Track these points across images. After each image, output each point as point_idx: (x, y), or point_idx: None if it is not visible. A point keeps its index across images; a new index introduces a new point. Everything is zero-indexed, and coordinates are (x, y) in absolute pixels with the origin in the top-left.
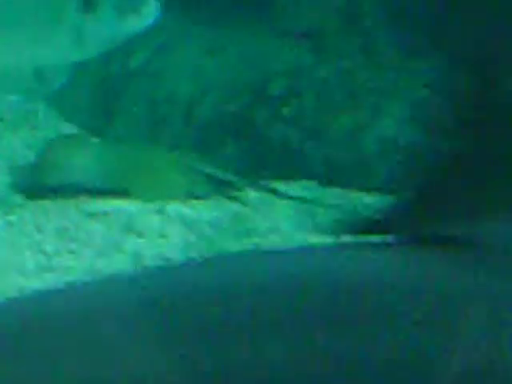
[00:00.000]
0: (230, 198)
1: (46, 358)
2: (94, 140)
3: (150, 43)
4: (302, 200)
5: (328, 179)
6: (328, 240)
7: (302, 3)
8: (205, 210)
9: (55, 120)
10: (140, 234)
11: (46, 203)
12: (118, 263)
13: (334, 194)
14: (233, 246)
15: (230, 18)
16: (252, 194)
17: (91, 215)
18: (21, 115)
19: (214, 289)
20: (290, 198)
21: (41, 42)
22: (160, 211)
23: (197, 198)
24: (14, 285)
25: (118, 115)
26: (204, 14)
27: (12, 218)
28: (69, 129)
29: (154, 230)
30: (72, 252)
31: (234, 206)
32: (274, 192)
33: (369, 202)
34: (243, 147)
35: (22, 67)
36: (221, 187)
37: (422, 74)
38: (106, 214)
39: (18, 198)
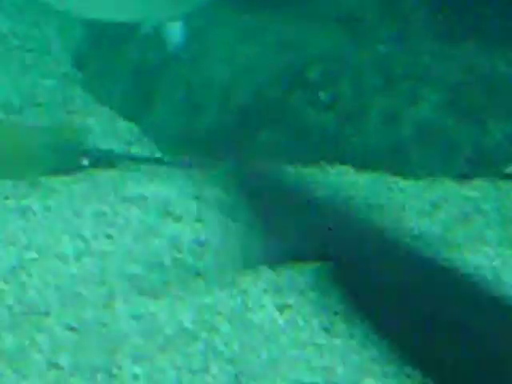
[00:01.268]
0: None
1: None
2: None
3: (187, 28)
4: None
5: (364, 164)
6: None
7: None
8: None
9: (92, 105)
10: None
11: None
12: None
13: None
14: None
15: (267, 3)
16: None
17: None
18: (58, 100)
19: None
20: None
21: None
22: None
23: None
24: (53, 269)
25: (156, 100)
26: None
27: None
28: (106, 113)
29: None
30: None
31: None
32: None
33: (403, 186)
34: (280, 132)
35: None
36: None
37: (459, 59)
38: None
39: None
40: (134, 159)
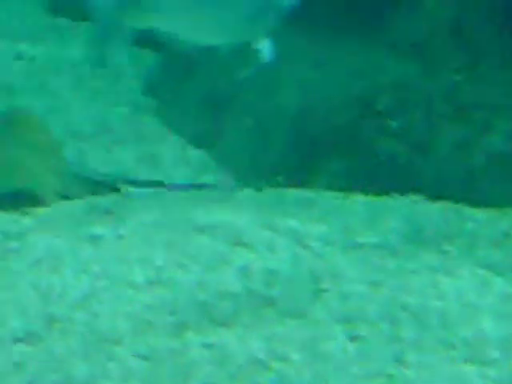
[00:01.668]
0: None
1: None
2: None
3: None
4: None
5: (435, 192)
6: None
7: (410, 16)
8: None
9: (163, 132)
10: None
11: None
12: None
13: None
14: None
15: (337, 31)
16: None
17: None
18: (129, 127)
19: None
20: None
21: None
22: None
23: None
24: (124, 297)
25: (226, 128)
26: (311, 27)
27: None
28: (176, 141)
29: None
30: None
31: None
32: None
33: (475, 215)
34: (350, 160)
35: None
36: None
37: None
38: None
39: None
40: (205, 187)
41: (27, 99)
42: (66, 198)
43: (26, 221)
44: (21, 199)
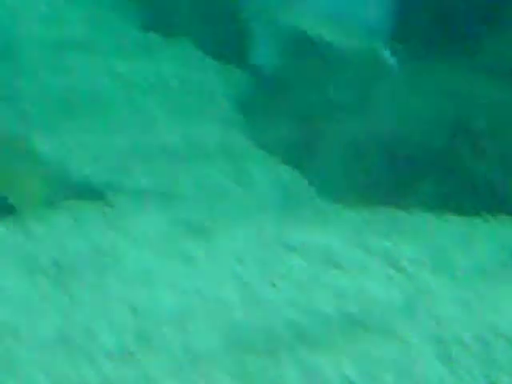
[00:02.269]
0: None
1: None
2: None
3: (355, 79)
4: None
5: None
6: None
7: (507, 42)
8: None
9: (255, 151)
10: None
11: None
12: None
13: None
14: None
15: (432, 53)
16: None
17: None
18: (220, 146)
19: None
20: None
21: None
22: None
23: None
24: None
25: (320, 148)
26: (406, 49)
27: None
28: (268, 159)
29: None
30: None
31: None
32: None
33: None
34: (444, 182)
35: None
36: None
37: None
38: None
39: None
40: (297, 206)
41: (116, 114)
42: (50, 204)
43: (118, 237)
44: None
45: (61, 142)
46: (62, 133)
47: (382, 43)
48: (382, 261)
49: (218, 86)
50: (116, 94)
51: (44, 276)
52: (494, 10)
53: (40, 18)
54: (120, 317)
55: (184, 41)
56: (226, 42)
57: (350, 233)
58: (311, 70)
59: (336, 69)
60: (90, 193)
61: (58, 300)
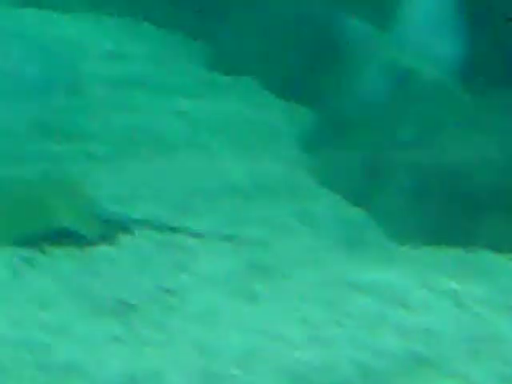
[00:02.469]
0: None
1: None
2: None
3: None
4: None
5: None
6: None
7: None
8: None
9: (320, 190)
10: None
11: None
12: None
13: None
14: None
15: (495, 87)
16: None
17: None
18: (285, 185)
19: None
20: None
21: None
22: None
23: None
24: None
25: (384, 185)
26: (475, 84)
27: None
28: (333, 198)
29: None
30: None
31: None
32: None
33: None
34: (508, 220)
35: None
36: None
37: None
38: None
39: None
40: (362, 245)
41: (181, 153)
42: (111, 240)
43: (183, 276)
44: (64, 238)
45: (124, 180)
46: (126, 171)
47: (456, 78)
48: (448, 300)
49: (282, 124)
50: (180, 133)
51: (109, 314)
52: None
53: (104, 54)
54: (187, 356)
55: (249, 79)
56: (291, 80)
57: (415, 272)
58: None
59: (405, 103)
60: (154, 231)
61: (123, 339)
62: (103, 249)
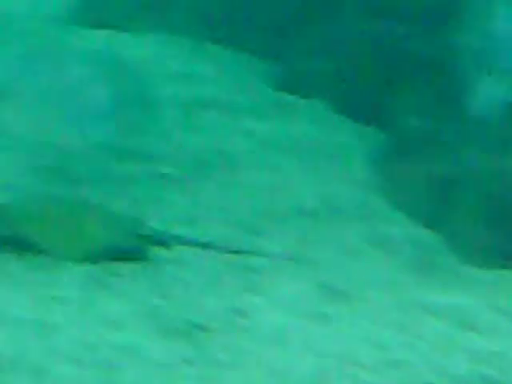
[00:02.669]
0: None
1: None
2: None
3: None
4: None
5: None
6: None
7: None
8: None
9: (389, 211)
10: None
11: None
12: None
13: None
14: None
15: None
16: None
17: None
18: (354, 205)
19: None
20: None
21: None
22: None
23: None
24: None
25: (457, 210)
26: None
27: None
28: (403, 220)
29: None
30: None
31: None
32: (205, 246)
33: None
34: None
35: None
36: (146, 242)
37: None
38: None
39: None
40: (434, 268)
41: (251, 174)
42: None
43: (253, 297)
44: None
45: (195, 201)
46: (196, 192)
47: None
48: None
49: (352, 144)
50: (250, 154)
51: (180, 336)
52: None
53: (173, 75)
54: (257, 378)
55: (317, 99)
56: (361, 100)
57: (486, 295)
58: (449, 131)
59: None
60: (224, 252)
61: (194, 361)
62: (173, 270)
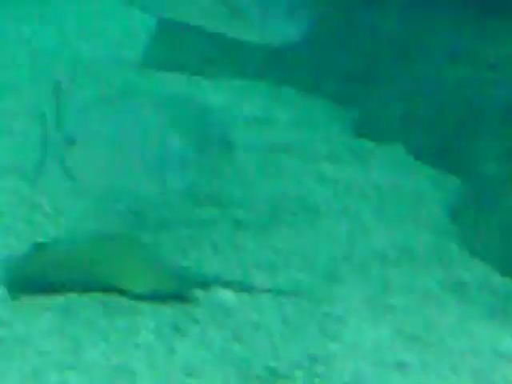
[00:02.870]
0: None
1: None
2: None
3: None
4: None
5: None
6: None
7: None
8: None
9: (467, 258)
10: None
11: None
12: None
13: None
14: None
15: None
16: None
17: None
18: (432, 253)
19: None
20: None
21: None
22: None
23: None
24: None
25: None
26: None
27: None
28: (481, 267)
29: None
30: None
31: None
32: (250, 290)
33: None
34: None
35: None
36: (188, 287)
37: None
38: None
39: None
40: (509, 315)
41: (329, 221)
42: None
43: (331, 344)
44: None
45: (271, 247)
46: (272, 237)
47: None
48: None
49: (429, 191)
50: (327, 200)
51: (256, 382)
52: None
53: (249, 120)
54: None
55: (394, 145)
56: (438, 146)
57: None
58: None
59: None
60: (300, 298)
61: None
62: (249, 316)
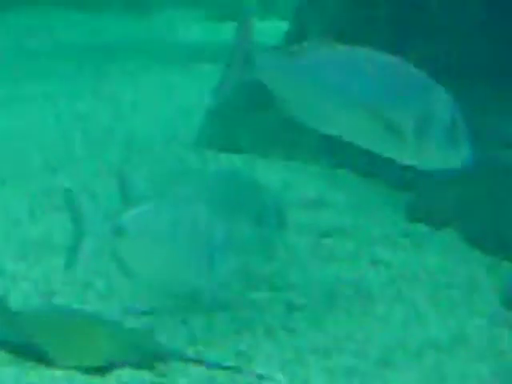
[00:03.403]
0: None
1: None
2: None
3: None
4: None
5: None
6: None
7: None
8: None
9: None
10: None
11: None
12: None
13: None
14: None
15: None
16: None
17: None
18: (486, 341)
19: None
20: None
21: None
22: None
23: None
24: None
25: None
26: None
27: None
28: None
29: None
30: None
31: None
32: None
33: None
34: None
35: None
36: (147, 358)
37: None
38: None
39: None
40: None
41: (383, 306)
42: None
43: None
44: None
45: (324, 331)
46: (325, 322)
47: None
48: None
49: (483, 278)
50: (381, 285)
51: None
52: None
53: (307, 202)
54: None
55: (449, 230)
56: (493, 233)
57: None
58: None
59: None
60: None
61: None
62: None
